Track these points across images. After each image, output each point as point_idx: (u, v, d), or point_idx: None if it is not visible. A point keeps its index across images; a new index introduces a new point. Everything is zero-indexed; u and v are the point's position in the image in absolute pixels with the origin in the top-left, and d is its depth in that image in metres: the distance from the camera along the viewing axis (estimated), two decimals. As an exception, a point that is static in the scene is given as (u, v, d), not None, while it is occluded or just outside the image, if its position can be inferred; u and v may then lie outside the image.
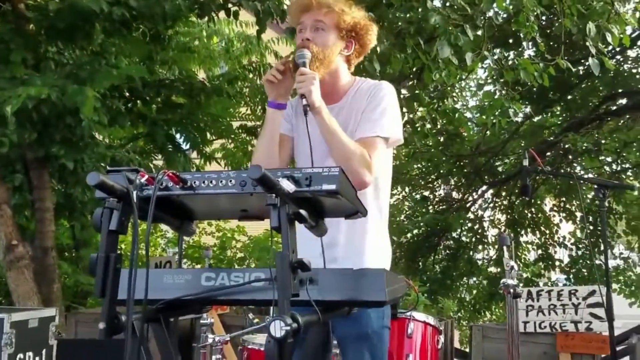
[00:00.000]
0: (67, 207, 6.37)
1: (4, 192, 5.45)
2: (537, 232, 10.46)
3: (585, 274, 9.68)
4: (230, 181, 1.46)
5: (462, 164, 10.01)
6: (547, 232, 10.54)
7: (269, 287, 1.48)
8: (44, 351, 3.73)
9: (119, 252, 1.47)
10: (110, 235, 1.44)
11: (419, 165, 11.20)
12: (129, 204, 1.43)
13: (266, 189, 1.37)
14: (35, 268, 5.43)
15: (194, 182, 1.49)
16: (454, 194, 11.37)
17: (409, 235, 10.84)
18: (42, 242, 5.65)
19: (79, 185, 6.05)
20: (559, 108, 9.78)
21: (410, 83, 6.82)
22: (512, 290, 2.83)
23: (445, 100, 6.92)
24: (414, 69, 6.03)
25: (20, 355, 3.49)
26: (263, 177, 1.33)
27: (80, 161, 5.57)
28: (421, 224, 10.39)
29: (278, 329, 1.29)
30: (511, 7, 5.50)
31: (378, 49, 4.92)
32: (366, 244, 2.13)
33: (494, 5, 5.07)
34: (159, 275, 1.58)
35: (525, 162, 2.81)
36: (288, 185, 1.39)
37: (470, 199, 10.89)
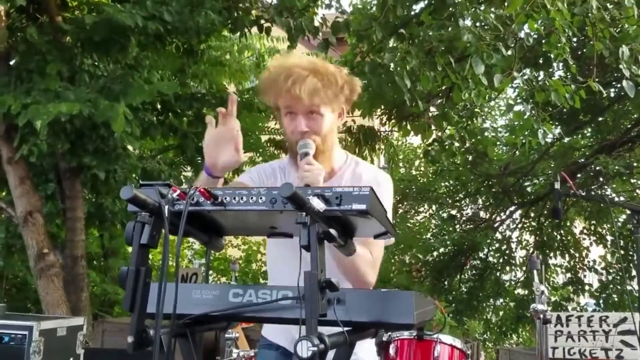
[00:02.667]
0: (98, 217, 6.47)
1: (37, 200, 5.56)
2: (567, 255, 10.27)
3: (616, 299, 9.47)
4: (261, 198, 1.46)
5: (490, 183, 9.91)
6: (577, 255, 10.34)
7: (296, 305, 1.47)
8: (71, 359, 3.77)
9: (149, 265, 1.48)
10: (141, 248, 1.44)
11: (446, 183, 11.13)
12: (161, 218, 1.44)
13: (296, 207, 1.36)
14: (64, 276, 5.52)
15: (225, 198, 1.48)
16: (482, 214, 11.25)
17: (435, 253, 10.74)
18: (72, 250, 5.74)
19: (110, 195, 6.16)
20: (589, 130, 9.64)
21: (440, 101, 6.80)
22: (542, 316, 2.78)
23: (474, 120, 6.87)
24: (444, 88, 6.02)
25: (48, 363, 3.52)
26: (294, 195, 1.32)
27: (112, 171, 5.67)
28: (448, 242, 10.29)
29: (305, 349, 1.28)
30: (543, 28, 5.47)
31: (408, 66, 4.93)
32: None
33: (526, 26, 5.05)
34: (188, 290, 1.59)
35: (557, 185, 2.77)
36: (318, 204, 1.38)
37: (498, 219, 10.76)
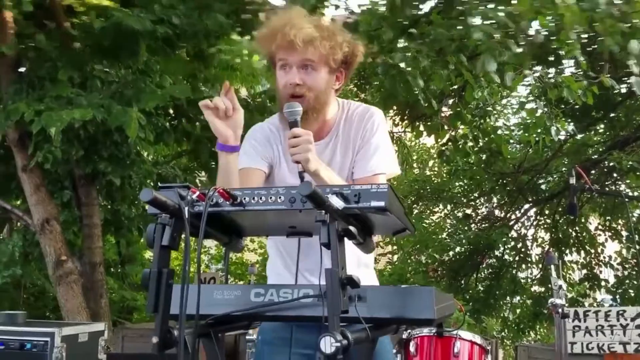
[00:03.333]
0: (114, 224, 6.51)
1: (54, 208, 5.61)
2: (582, 251, 10.21)
3: (632, 294, 9.40)
4: (280, 197, 1.47)
5: (504, 182, 9.88)
6: (592, 251, 10.28)
7: (318, 303, 1.48)
8: (93, 365, 3.79)
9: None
10: (163, 250, 1.46)
11: (460, 183, 11.11)
12: (181, 220, 1.46)
13: (316, 205, 1.37)
14: (83, 283, 5.55)
15: (244, 199, 1.50)
16: (497, 212, 11.21)
17: (450, 253, 10.72)
18: (90, 257, 5.78)
19: (125, 202, 6.18)
20: (602, 126, 9.58)
21: (452, 101, 6.79)
22: (560, 311, 2.77)
23: (487, 119, 6.85)
24: (456, 87, 6.01)
25: (70, 369, 3.54)
26: (313, 194, 1.33)
27: (127, 177, 5.70)
28: (463, 241, 10.26)
29: (328, 345, 1.29)
30: (553, 24, 5.44)
31: (420, 65, 4.93)
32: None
33: (536, 23, 5.02)
34: (210, 291, 1.60)
35: (572, 180, 2.75)
36: (337, 202, 1.39)
37: (513, 217, 10.72)
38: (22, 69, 5.72)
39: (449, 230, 11.23)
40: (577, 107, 7.21)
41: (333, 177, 1.83)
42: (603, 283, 10.05)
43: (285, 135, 1.89)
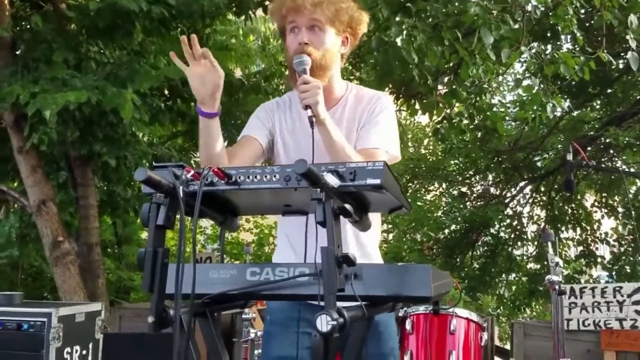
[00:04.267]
0: (110, 204, 6.50)
1: (50, 189, 5.60)
2: (578, 228, 10.26)
3: (629, 270, 9.47)
4: (275, 176, 1.46)
5: (500, 159, 9.88)
6: (588, 228, 10.33)
7: (313, 282, 1.48)
8: (90, 345, 3.81)
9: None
10: (158, 230, 1.45)
11: (456, 161, 11.11)
12: (176, 199, 1.45)
13: (311, 183, 1.36)
14: (80, 264, 5.56)
15: (239, 177, 1.49)
16: (492, 190, 11.24)
17: (446, 231, 10.76)
18: (87, 238, 5.78)
19: (121, 183, 6.17)
20: (599, 102, 9.56)
21: (447, 78, 6.76)
22: (557, 287, 2.78)
23: (482, 96, 6.82)
24: (451, 64, 5.97)
25: (68, 349, 3.56)
26: (308, 172, 1.32)
27: (123, 158, 5.67)
28: (459, 219, 10.30)
29: (324, 323, 1.29)
30: (550, 0, 5.40)
31: (415, 42, 4.90)
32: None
33: (532, -1, 4.99)
34: (205, 270, 1.60)
35: (569, 156, 2.74)
36: (333, 180, 1.39)
37: (509, 194, 10.75)
38: (17, 52, 5.68)
39: (445, 209, 11.27)
40: (573, 83, 7.19)
41: (338, 132, 1.89)
42: (599, 260, 10.12)
43: (296, 102, 1.96)
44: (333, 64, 2.02)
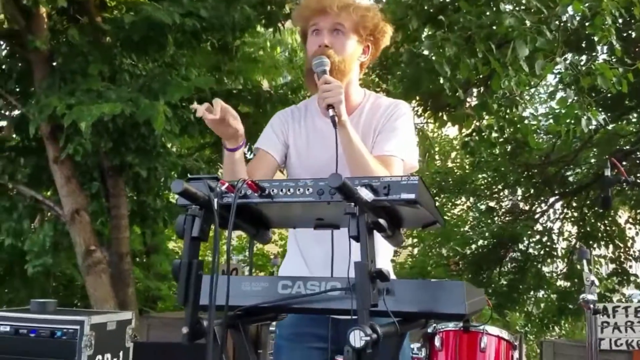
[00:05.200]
0: (140, 215, 6.58)
1: (83, 199, 5.69)
2: (611, 245, 10.04)
3: (662, 289, 9.23)
4: (308, 189, 1.46)
5: (530, 173, 9.73)
6: (622, 245, 10.10)
7: (346, 296, 1.47)
8: (121, 353, 3.84)
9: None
10: (193, 241, 1.46)
11: (484, 175, 10.98)
12: (210, 211, 1.46)
13: (345, 197, 1.36)
14: (111, 272, 5.63)
15: (272, 190, 1.49)
16: (521, 205, 11.07)
17: (473, 246, 10.62)
18: (117, 247, 5.86)
19: (151, 193, 6.24)
20: (635, 115, 9.36)
21: (478, 90, 6.69)
22: (592, 306, 2.72)
23: (514, 108, 6.73)
24: (482, 76, 5.91)
25: (99, 357, 3.59)
26: (342, 186, 1.32)
27: (153, 169, 5.75)
28: (487, 234, 10.17)
29: (358, 339, 1.28)
30: (588, 9, 5.30)
31: (447, 53, 4.86)
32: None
33: (570, 8, 4.89)
34: (238, 282, 1.60)
35: (607, 172, 2.68)
36: (367, 194, 1.38)
37: (539, 210, 10.56)
38: (54, 64, 5.81)
39: (472, 223, 11.13)
40: (609, 95, 7.06)
41: (357, 136, 1.87)
42: (632, 278, 9.88)
43: (313, 111, 1.98)
44: (351, 71, 1.99)
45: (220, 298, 1.40)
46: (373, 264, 1.36)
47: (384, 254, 2.06)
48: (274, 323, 3.91)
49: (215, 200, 1.47)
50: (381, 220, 1.42)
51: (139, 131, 5.36)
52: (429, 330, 3.04)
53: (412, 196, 1.39)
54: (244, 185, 1.50)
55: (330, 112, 1.78)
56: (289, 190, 1.48)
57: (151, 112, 4.70)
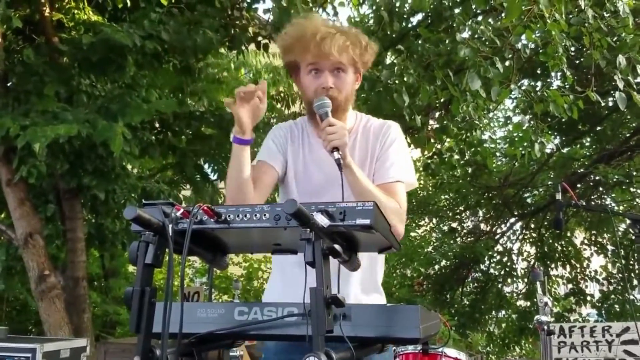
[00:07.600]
0: (98, 238, 6.44)
1: (37, 222, 5.55)
2: (568, 265, 10.26)
3: (618, 309, 9.45)
4: (265, 215, 1.46)
5: (490, 195, 9.92)
6: (578, 265, 10.33)
7: (302, 322, 1.47)
8: (74, 381, 3.74)
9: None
10: (146, 268, 1.44)
11: (446, 196, 11.14)
12: (165, 237, 1.44)
13: (300, 223, 1.36)
14: (66, 298, 5.48)
15: (229, 216, 1.48)
16: (482, 226, 11.25)
17: (436, 267, 10.72)
18: (73, 272, 5.71)
19: (109, 216, 6.13)
20: (588, 139, 9.66)
21: (438, 114, 6.82)
22: (545, 327, 2.77)
23: (473, 132, 6.88)
24: (442, 100, 6.03)
25: (51, 386, 3.49)
26: (298, 212, 1.32)
27: (112, 192, 5.65)
28: (449, 254, 10.28)
29: (313, 366, 1.27)
30: (539, 39, 5.49)
31: (406, 80, 4.96)
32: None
33: (523, 37, 5.07)
34: (193, 309, 1.58)
35: (558, 196, 2.76)
36: (322, 220, 1.38)
37: (499, 230, 10.75)
38: (9, 84, 5.68)
39: (435, 244, 11.25)
40: (563, 120, 7.28)
41: (362, 172, 1.90)
42: (589, 298, 10.10)
43: (313, 134, 2.02)
44: (350, 103, 2.07)
45: (174, 326, 1.38)
46: (328, 290, 1.36)
47: (381, 274, 2.18)
48: (234, 349, 3.89)
49: (170, 226, 1.45)
50: (336, 246, 1.42)
51: (97, 153, 5.27)
52: (389, 353, 3.05)
53: (367, 221, 1.40)
54: (199, 210, 1.49)
55: (336, 154, 1.81)
56: (245, 215, 1.48)
57: (109, 134, 4.62)
